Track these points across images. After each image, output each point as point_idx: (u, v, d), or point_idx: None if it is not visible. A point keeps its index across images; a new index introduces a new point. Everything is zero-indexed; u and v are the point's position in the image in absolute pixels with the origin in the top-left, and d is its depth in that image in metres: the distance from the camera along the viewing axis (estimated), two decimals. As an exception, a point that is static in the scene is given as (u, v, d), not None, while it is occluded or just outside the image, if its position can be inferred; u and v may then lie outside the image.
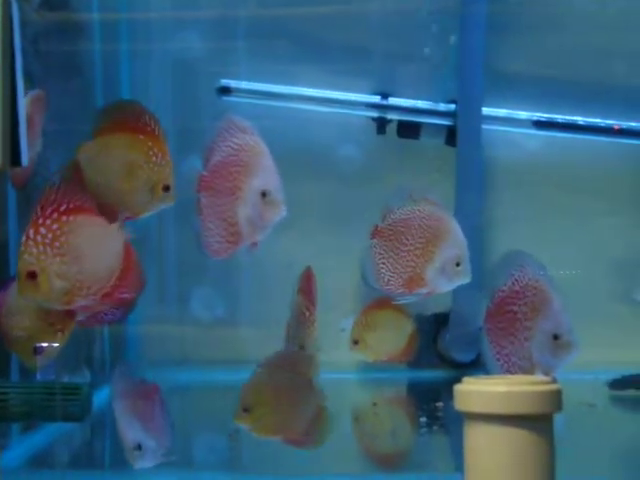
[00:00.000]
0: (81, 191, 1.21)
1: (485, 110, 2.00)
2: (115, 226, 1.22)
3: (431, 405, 1.69)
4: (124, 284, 1.22)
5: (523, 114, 2.02)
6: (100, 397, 1.47)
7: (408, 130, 2.04)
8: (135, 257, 1.24)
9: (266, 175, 1.27)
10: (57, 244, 1.15)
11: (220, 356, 1.82)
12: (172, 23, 2.04)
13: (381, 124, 2.04)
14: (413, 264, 1.34)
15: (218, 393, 1.76)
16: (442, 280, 1.33)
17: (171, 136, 1.88)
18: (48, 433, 1.51)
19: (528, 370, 1.29)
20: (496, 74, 2.00)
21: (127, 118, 1.30)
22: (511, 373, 1.29)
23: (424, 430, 1.59)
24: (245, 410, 1.27)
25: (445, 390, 1.80)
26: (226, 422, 1.49)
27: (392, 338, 1.69)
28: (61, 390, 1.26)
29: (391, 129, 2.05)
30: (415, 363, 1.75)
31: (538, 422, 0.87)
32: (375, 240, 1.36)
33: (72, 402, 1.27)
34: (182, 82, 2.05)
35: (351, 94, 2.03)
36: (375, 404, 1.80)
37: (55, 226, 1.15)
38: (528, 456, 0.86)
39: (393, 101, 2.03)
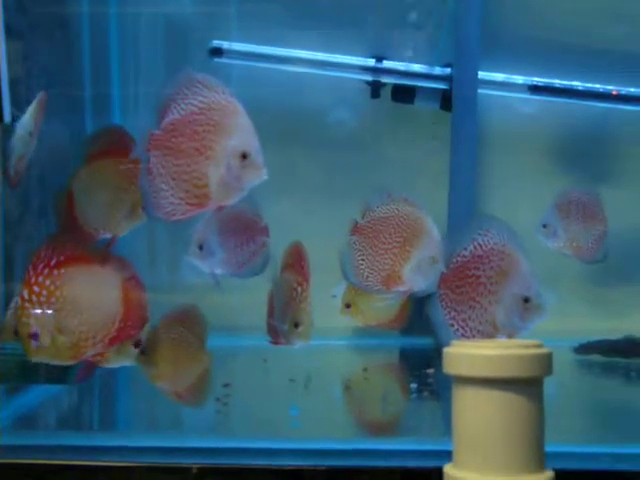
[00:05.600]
0: (71, 240, 1.20)
1: (481, 74, 1.97)
2: (109, 269, 1.20)
3: (422, 371, 1.68)
4: (129, 323, 1.21)
5: (520, 78, 1.99)
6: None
7: (403, 94, 2.00)
8: (135, 293, 1.23)
9: (244, 136, 1.21)
10: (53, 300, 1.15)
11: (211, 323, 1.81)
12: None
13: (375, 88, 2.01)
14: (391, 262, 1.38)
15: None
16: (418, 279, 1.37)
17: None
18: (35, 396, 1.50)
19: (490, 334, 1.30)
20: (493, 37, 1.97)
21: (111, 144, 1.37)
22: (467, 338, 1.30)
23: (414, 396, 1.59)
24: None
25: (436, 357, 1.79)
26: (214, 387, 1.49)
27: (384, 304, 1.68)
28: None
29: (385, 93, 2.02)
30: (406, 329, 1.74)
31: (528, 385, 0.86)
32: (354, 237, 1.40)
33: (59, 366, 1.25)
34: (173, 44, 2.02)
35: (345, 57, 1.99)
36: (365, 369, 1.79)
37: (48, 282, 1.14)
38: (518, 419, 0.85)
39: (388, 64, 2.00)
